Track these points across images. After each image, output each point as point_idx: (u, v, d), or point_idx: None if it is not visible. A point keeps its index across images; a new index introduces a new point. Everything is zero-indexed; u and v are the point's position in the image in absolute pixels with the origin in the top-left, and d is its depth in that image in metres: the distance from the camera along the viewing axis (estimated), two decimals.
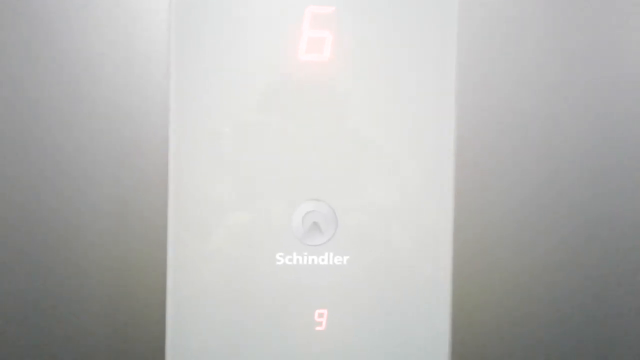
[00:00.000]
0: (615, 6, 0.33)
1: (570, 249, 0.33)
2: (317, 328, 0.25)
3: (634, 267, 0.33)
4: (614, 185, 0.33)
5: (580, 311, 0.33)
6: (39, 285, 0.30)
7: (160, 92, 0.30)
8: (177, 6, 0.25)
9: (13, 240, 0.30)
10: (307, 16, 0.25)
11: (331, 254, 0.25)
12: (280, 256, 0.25)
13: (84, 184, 0.30)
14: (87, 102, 0.30)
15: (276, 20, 0.25)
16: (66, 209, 0.30)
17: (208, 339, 0.25)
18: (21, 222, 0.30)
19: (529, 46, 0.32)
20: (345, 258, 0.25)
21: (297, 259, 0.25)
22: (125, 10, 0.30)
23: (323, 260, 0.25)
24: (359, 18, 0.25)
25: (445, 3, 0.26)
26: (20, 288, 0.30)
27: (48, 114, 0.30)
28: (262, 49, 0.25)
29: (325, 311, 0.25)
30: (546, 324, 0.33)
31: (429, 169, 0.26)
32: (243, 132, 0.25)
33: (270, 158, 0.25)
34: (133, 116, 0.30)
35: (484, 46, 0.32)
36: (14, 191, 0.29)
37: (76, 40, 0.30)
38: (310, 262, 0.25)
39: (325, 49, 0.25)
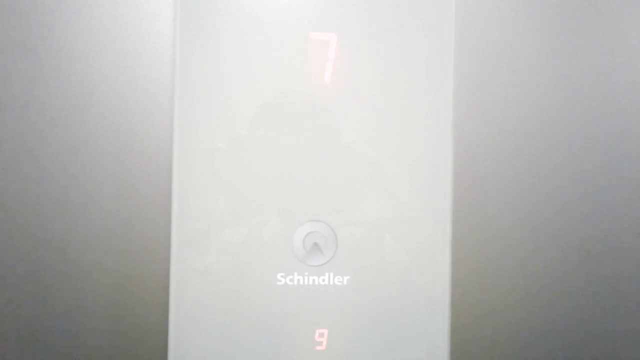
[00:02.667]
0: (617, 11, 0.33)
1: (570, 262, 0.33)
2: (318, 348, 0.26)
3: (634, 280, 0.34)
4: (612, 200, 0.34)
5: (580, 325, 0.33)
6: (40, 298, 0.30)
7: (164, 113, 0.30)
8: (182, 32, 0.26)
9: (14, 251, 0.30)
10: (308, 42, 0.26)
11: (331, 274, 0.26)
12: (281, 276, 0.26)
13: (87, 198, 0.30)
14: (90, 120, 0.30)
15: (278, 45, 0.26)
16: (70, 224, 0.30)
17: (210, 357, 0.26)
18: (25, 235, 0.30)
19: (527, 63, 0.33)
20: (346, 278, 0.26)
21: (298, 279, 0.26)
22: (129, 32, 0.30)
23: (324, 280, 0.26)
24: (358, 44, 0.26)
25: (442, 29, 0.27)
26: (21, 300, 0.30)
27: (52, 132, 0.30)
28: (264, 72, 0.26)
29: (325, 331, 0.26)
30: (547, 339, 0.33)
31: (427, 189, 0.26)
32: (246, 153, 0.26)
33: (273, 180, 0.26)
34: (137, 134, 0.30)
35: (481, 65, 0.33)
36: (16, 206, 0.30)
37: (81, 62, 0.30)
38: (310, 282, 0.26)
39: (326, 72, 0.26)
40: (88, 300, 0.30)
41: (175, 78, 0.26)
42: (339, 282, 0.26)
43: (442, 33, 0.27)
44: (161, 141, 0.30)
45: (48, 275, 0.30)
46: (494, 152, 0.33)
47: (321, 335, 0.26)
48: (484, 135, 0.33)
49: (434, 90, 0.27)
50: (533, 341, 0.33)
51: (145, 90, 0.30)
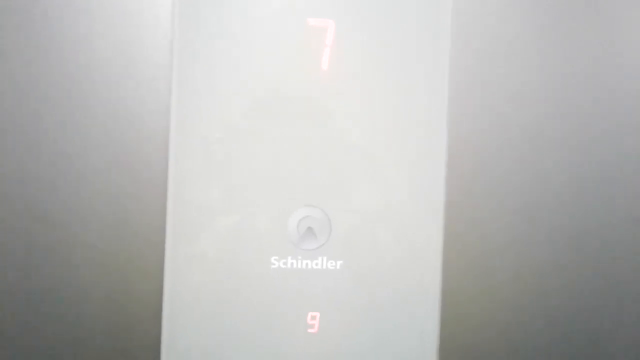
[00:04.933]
0: (615, 8, 0.34)
1: (564, 257, 0.34)
2: (310, 330, 0.26)
3: (627, 282, 0.34)
4: (607, 196, 0.34)
5: (573, 321, 0.34)
6: (35, 286, 0.30)
7: (161, 100, 0.31)
8: (180, 18, 0.26)
9: (10, 242, 0.30)
10: (306, 28, 0.26)
11: (325, 259, 0.26)
12: (275, 260, 0.26)
13: (83, 186, 0.30)
14: (87, 106, 0.30)
15: (276, 31, 0.26)
16: (65, 210, 0.30)
17: (203, 341, 0.26)
18: (20, 223, 0.30)
19: (523, 64, 0.33)
20: (339, 263, 0.26)
21: (292, 263, 0.26)
22: (127, 21, 0.30)
23: (317, 264, 0.26)
24: (356, 31, 0.26)
25: (439, 18, 0.27)
26: (17, 290, 0.30)
27: (47, 118, 0.30)
28: (261, 58, 0.26)
29: (317, 314, 0.26)
30: (538, 334, 0.33)
31: (420, 177, 0.27)
32: (241, 139, 0.26)
33: (267, 165, 0.26)
34: (134, 121, 0.30)
35: (477, 56, 0.33)
36: (12, 193, 0.30)
37: (78, 47, 0.30)
38: (304, 266, 0.26)
39: (323, 59, 0.26)
40: (82, 285, 0.30)
41: (173, 65, 0.26)
42: (332, 266, 0.26)
43: (439, 22, 0.27)
44: (158, 128, 0.30)
45: (40, 261, 0.30)
46: (488, 144, 0.33)
47: (313, 318, 0.26)
48: (479, 127, 0.33)
49: (430, 81, 0.27)
50: (525, 335, 0.33)
51: (142, 77, 0.30)
